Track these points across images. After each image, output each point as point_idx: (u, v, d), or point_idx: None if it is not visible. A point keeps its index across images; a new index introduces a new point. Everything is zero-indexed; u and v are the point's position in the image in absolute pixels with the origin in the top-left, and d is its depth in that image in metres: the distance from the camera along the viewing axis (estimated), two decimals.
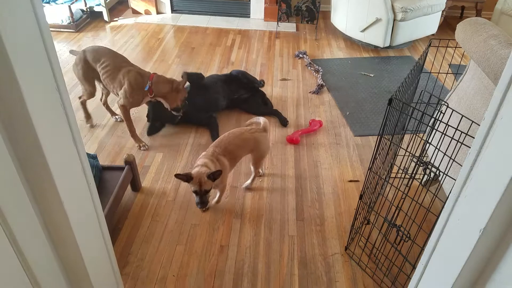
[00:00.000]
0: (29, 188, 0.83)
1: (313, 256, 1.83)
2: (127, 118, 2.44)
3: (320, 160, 2.47)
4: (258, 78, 3.17)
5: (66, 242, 0.93)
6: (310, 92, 3.20)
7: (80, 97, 2.61)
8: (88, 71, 2.42)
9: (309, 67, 3.57)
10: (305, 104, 3.06)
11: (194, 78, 2.77)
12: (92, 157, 2.00)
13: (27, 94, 0.74)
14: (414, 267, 1.51)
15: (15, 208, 0.78)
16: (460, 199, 0.94)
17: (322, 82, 3.28)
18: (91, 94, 2.52)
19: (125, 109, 2.39)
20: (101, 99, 2.74)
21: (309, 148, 2.57)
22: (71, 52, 2.50)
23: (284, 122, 2.80)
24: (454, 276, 0.93)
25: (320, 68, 3.51)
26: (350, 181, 2.31)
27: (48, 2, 4.19)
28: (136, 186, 2.16)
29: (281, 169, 2.38)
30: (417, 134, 1.70)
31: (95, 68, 2.39)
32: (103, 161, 2.38)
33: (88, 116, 2.66)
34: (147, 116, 2.70)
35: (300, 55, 3.78)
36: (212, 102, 2.78)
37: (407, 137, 2.41)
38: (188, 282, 1.71)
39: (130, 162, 2.04)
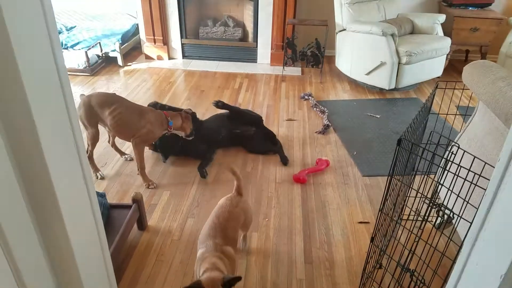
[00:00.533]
0: (36, 222, 0.82)
1: None
2: (142, 155, 2.51)
3: (328, 200, 2.43)
4: (264, 119, 3.22)
5: (71, 279, 0.91)
6: (316, 132, 3.22)
7: (86, 152, 2.58)
8: (91, 115, 2.44)
9: (314, 108, 3.63)
10: (311, 143, 3.07)
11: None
12: (101, 195, 1.99)
13: (41, 131, 0.75)
14: None
15: (22, 244, 0.77)
16: (478, 243, 0.91)
17: (328, 123, 3.32)
18: (95, 138, 2.53)
19: (142, 147, 2.50)
20: (108, 141, 2.78)
21: (316, 188, 2.55)
22: (81, 96, 2.56)
23: (284, 160, 2.80)
24: None
25: (325, 109, 3.56)
26: (360, 222, 2.26)
27: (67, 48, 4.39)
28: (142, 224, 2.13)
29: (288, 209, 2.35)
30: (428, 176, 1.69)
31: (99, 113, 2.43)
32: (111, 199, 2.36)
33: (96, 169, 2.63)
34: (154, 149, 2.88)
35: (306, 97, 3.86)
36: (212, 134, 2.86)
37: (417, 179, 2.38)
38: None
39: (137, 201, 2.03)
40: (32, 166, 0.78)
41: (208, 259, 1.53)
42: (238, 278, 1.40)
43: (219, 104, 2.97)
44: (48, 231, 0.86)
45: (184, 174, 2.67)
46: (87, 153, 2.53)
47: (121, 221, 1.93)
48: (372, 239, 1.63)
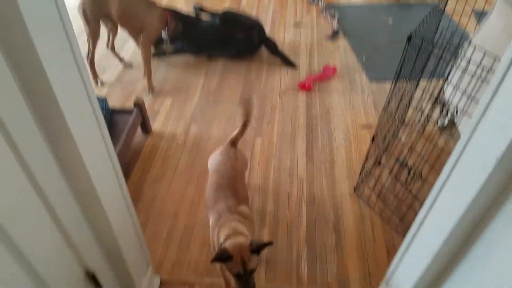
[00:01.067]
0: (43, 129, 0.82)
1: (321, 197, 1.83)
2: (149, 56, 2.48)
3: (332, 106, 2.41)
4: (269, 25, 3.04)
5: (80, 178, 0.94)
6: (325, 37, 3.06)
7: (87, 56, 2.50)
8: (98, 5, 2.31)
9: (324, 13, 3.40)
10: (319, 50, 2.94)
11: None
12: (102, 100, 1.99)
13: (34, 33, 0.70)
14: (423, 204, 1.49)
15: (32, 151, 0.78)
16: (479, 127, 0.89)
17: (337, 28, 3.13)
18: (97, 34, 2.42)
19: (149, 46, 2.48)
20: (107, 44, 2.68)
21: (321, 95, 2.50)
22: None
23: (288, 62, 2.74)
24: (464, 207, 0.91)
25: (336, 12, 3.33)
26: (363, 126, 2.25)
27: None
28: (146, 128, 2.16)
29: (292, 115, 2.34)
30: (434, 79, 1.62)
31: (107, 3, 2.31)
32: (112, 104, 2.36)
33: (96, 75, 2.57)
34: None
35: (315, 1, 3.59)
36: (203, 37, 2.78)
37: (423, 84, 2.31)
38: (200, 217, 1.75)
39: (139, 105, 2.03)
40: (32, 75, 0.75)
41: (227, 224, 1.30)
42: (269, 244, 1.21)
43: (195, 7, 2.89)
44: (55, 136, 0.86)
45: (186, 80, 2.62)
46: (88, 56, 2.48)
47: (124, 125, 1.95)
48: (373, 138, 1.64)
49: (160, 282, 1.49)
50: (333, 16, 3.30)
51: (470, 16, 3.11)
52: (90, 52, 2.48)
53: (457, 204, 0.94)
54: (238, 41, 2.75)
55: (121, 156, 1.81)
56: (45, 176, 0.83)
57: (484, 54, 1.40)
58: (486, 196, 0.89)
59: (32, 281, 0.80)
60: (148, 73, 2.49)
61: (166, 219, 1.75)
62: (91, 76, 2.53)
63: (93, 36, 2.43)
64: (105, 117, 1.88)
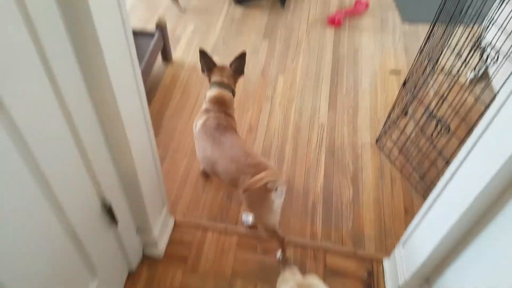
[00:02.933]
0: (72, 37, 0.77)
1: (341, 145, 1.81)
2: None
3: (361, 47, 2.28)
4: None
5: (105, 97, 0.91)
6: None
7: None
8: None
9: None
10: None
11: None
12: None
13: None
14: (447, 162, 1.47)
15: (62, 66, 0.74)
16: None
17: None
18: None
19: None
20: None
21: (351, 32, 2.36)
22: None
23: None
24: (493, 172, 0.86)
25: None
26: (392, 71, 2.15)
27: None
28: (167, 56, 2.10)
29: (318, 53, 2.23)
30: (475, 24, 1.48)
31: None
32: (133, 26, 2.28)
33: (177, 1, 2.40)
34: None
35: None
36: None
37: (463, 28, 2.15)
38: None
39: (161, 27, 1.94)
40: None
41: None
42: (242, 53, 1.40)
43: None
44: (84, 52, 0.81)
45: (210, 5, 2.48)
46: None
47: (145, 49, 1.87)
48: (404, 83, 1.56)
49: (174, 224, 1.47)
50: None
51: None
52: None
53: (487, 168, 0.89)
54: None
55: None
56: (72, 93, 0.80)
57: None
58: None
59: (50, 206, 0.81)
60: None
61: (183, 156, 1.73)
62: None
63: None
64: None
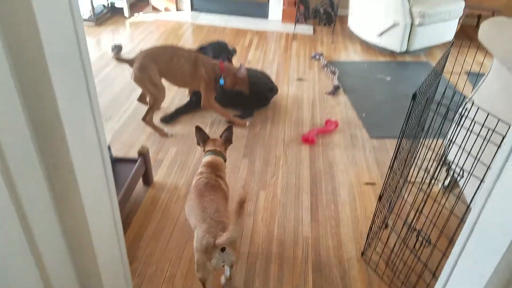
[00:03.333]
0: (44, 166, 0.80)
1: (327, 260, 1.77)
2: (218, 108, 2.62)
3: (335, 161, 2.41)
4: (274, 79, 3.14)
5: (78, 226, 0.90)
6: (326, 93, 3.15)
7: (143, 118, 2.49)
8: (160, 71, 2.43)
9: (325, 69, 3.53)
10: (321, 104, 3.01)
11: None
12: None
13: (54, 76, 0.72)
14: (434, 275, 1.44)
15: (30, 192, 0.76)
16: (492, 197, 0.88)
17: (338, 84, 3.23)
18: (163, 94, 2.49)
19: (212, 100, 2.59)
20: (139, 98, 2.70)
21: (324, 149, 2.52)
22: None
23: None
24: (483, 282, 0.87)
25: (336, 69, 3.46)
26: (367, 183, 2.25)
27: None
28: (148, 180, 2.14)
29: (296, 168, 2.34)
30: (438, 137, 1.64)
31: (166, 67, 2.43)
32: (116, 152, 2.36)
33: (160, 129, 2.56)
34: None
35: (317, 57, 3.74)
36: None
37: (427, 142, 2.34)
38: (197, 281, 1.67)
39: (144, 154, 2.02)
40: (43, 110, 0.75)
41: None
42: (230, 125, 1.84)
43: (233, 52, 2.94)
44: (58, 176, 0.84)
45: (192, 129, 2.63)
46: (145, 119, 2.49)
47: (126, 175, 1.92)
48: (380, 197, 1.62)
49: None
50: (333, 72, 3.42)
51: (466, 80, 3.23)
52: (149, 114, 2.49)
53: (474, 281, 0.89)
54: (254, 96, 2.78)
55: (120, 208, 1.76)
56: (38, 214, 0.79)
57: (488, 115, 1.43)
58: (506, 272, 0.86)
59: None
60: (234, 120, 2.66)
61: (160, 283, 1.64)
62: (105, 131, 2.55)
63: (161, 96, 2.48)
64: None
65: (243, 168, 2.33)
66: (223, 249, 1.35)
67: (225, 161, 1.79)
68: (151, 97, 2.44)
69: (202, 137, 1.82)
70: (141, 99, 2.71)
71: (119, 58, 2.43)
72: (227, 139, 1.84)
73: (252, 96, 2.72)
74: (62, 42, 0.74)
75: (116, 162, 2.01)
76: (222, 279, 1.63)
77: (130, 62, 2.39)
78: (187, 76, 2.47)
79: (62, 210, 0.86)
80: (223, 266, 1.47)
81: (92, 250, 0.92)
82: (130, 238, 1.84)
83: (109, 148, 2.01)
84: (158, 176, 2.24)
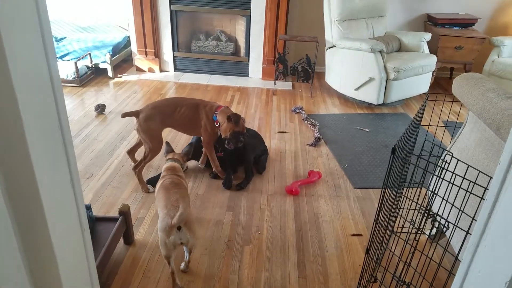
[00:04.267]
0: (18, 228, 0.77)
1: None
2: (213, 154, 2.65)
3: (320, 212, 2.40)
4: (256, 129, 3.20)
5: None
6: (307, 145, 3.21)
7: (135, 168, 2.51)
8: (162, 123, 2.50)
9: (305, 121, 3.63)
10: (303, 156, 3.05)
11: None
12: (86, 207, 1.92)
13: (30, 138, 0.71)
14: None
15: (4, 252, 0.72)
16: (480, 249, 0.89)
17: (319, 135, 3.32)
18: (160, 148, 2.53)
19: (211, 145, 2.63)
20: (129, 150, 2.73)
21: (309, 200, 2.51)
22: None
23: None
24: None
25: (316, 122, 3.57)
26: (353, 235, 2.22)
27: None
28: (129, 238, 2.06)
29: (281, 221, 2.30)
30: (421, 187, 1.68)
31: (168, 118, 2.51)
32: (96, 211, 2.29)
33: (145, 184, 2.55)
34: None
35: (297, 110, 3.87)
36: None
37: (410, 191, 2.38)
38: None
39: (124, 213, 1.96)
40: (19, 176, 0.74)
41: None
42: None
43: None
44: (32, 239, 0.80)
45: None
46: (136, 168, 2.51)
47: (106, 234, 1.86)
48: (367, 251, 1.60)
49: None
50: (314, 125, 3.52)
51: (444, 131, 3.38)
52: (141, 165, 2.51)
53: None
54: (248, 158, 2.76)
55: (100, 269, 1.67)
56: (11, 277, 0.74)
57: (468, 167, 1.48)
58: None
59: None
60: (217, 166, 2.66)
61: None
62: (86, 189, 2.52)
63: (158, 150, 2.52)
64: None
65: (227, 222, 2.28)
66: (179, 228, 1.67)
67: (182, 167, 2.17)
68: (148, 148, 2.49)
69: (168, 150, 2.23)
70: (131, 152, 2.72)
71: (125, 114, 2.51)
72: (186, 154, 2.24)
73: (250, 159, 2.75)
74: (40, 107, 0.75)
75: (96, 221, 1.94)
76: (182, 265, 1.92)
77: (136, 113, 2.48)
78: (190, 121, 2.55)
79: (37, 278, 0.82)
80: (181, 244, 1.73)
81: None
82: None
83: (89, 207, 1.95)
84: (139, 234, 2.16)
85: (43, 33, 0.75)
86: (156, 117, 2.47)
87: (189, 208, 1.82)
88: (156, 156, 2.56)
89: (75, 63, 4.12)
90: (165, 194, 1.85)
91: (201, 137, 2.64)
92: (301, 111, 3.84)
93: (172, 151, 2.25)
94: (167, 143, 2.27)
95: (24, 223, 0.78)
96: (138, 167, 2.52)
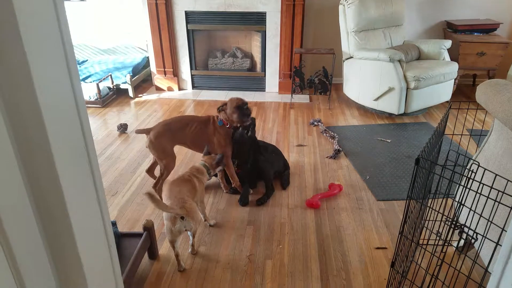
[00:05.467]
0: (48, 247, 0.80)
1: None
2: (231, 168, 2.66)
3: (343, 225, 2.37)
4: (274, 143, 3.21)
5: None
6: (327, 157, 3.19)
7: (154, 186, 2.59)
8: (173, 140, 2.56)
9: (324, 134, 3.62)
10: (323, 168, 3.03)
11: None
12: (112, 224, 1.96)
13: (57, 155, 0.75)
14: None
15: (34, 269, 0.75)
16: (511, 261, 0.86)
17: (338, 147, 3.29)
18: (174, 163, 2.60)
19: (228, 160, 2.64)
20: (147, 169, 2.78)
21: (330, 213, 2.48)
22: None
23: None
24: None
25: (335, 134, 3.55)
26: (378, 248, 2.18)
27: None
28: (153, 253, 2.08)
29: (302, 235, 2.28)
30: (447, 197, 1.64)
31: (180, 135, 2.57)
32: (121, 227, 2.33)
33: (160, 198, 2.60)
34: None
35: (315, 123, 3.86)
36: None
37: (436, 202, 2.32)
38: None
39: (148, 228, 1.99)
40: (48, 196, 0.77)
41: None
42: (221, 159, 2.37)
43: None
44: (62, 259, 0.83)
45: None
46: (156, 186, 2.59)
47: (131, 250, 1.89)
48: (392, 264, 1.57)
49: None
50: (333, 137, 3.50)
51: (469, 139, 3.29)
52: (160, 182, 2.58)
53: None
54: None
55: (126, 285, 1.70)
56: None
57: (496, 176, 1.44)
58: None
59: None
60: (236, 182, 2.68)
61: None
62: (111, 206, 2.58)
63: (171, 166, 2.58)
64: None
65: (248, 236, 2.28)
66: (182, 218, 1.89)
67: (209, 174, 2.30)
68: (162, 165, 2.54)
69: (205, 153, 2.41)
70: (150, 170, 2.77)
71: (138, 130, 2.60)
72: (218, 162, 2.35)
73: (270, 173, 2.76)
74: (66, 129, 0.79)
75: (121, 237, 1.98)
76: (190, 249, 2.16)
77: (148, 131, 2.54)
78: (201, 138, 2.58)
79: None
80: (185, 230, 1.96)
81: None
82: None
83: (115, 224, 2.00)
84: (163, 249, 2.18)
85: (67, 58, 0.79)
86: (167, 133, 2.52)
87: (190, 200, 2.00)
88: (172, 170, 2.61)
89: (97, 84, 4.27)
90: (170, 187, 2.06)
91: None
92: (319, 123, 3.83)
93: (209, 154, 2.40)
94: (207, 146, 2.44)
95: (54, 241, 0.81)
96: (157, 185, 2.58)
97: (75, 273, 0.85)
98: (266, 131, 3.73)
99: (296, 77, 4.55)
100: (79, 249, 0.82)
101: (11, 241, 0.69)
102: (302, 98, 4.61)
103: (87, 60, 4.97)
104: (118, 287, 1.01)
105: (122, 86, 4.60)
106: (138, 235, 1.98)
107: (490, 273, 0.93)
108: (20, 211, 0.73)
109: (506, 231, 0.92)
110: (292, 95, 4.54)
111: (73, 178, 0.81)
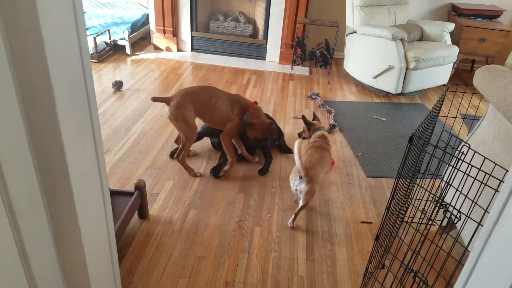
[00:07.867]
0: (44, 193, 0.81)
1: None
2: (230, 148, 2.52)
3: (332, 199, 2.41)
4: (271, 114, 3.20)
5: (76, 260, 0.89)
6: None
7: (177, 156, 2.50)
8: (196, 110, 2.41)
9: (321, 108, 3.61)
10: None
11: None
12: None
13: (58, 98, 0.74)
14: None
15: (28, 211, 0.76)
16: (492, 238, 0.89)
17: (334, 122, 3.30)
18: (195, 135, 2.47)
19: (229, 141, 2.52)
20: (176, 139, 2.72)
21: (320, 186, 2.52)
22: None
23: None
24: None
25: (332, 109, 3.55)
26: (363, 222, 2.24)
27: None
28: (143, 213, 2.12)
29: (291, 205, 2.33)
30: (436, 178, 1.67)
31: (202, 106, 2.42)
32: (112, 185, 2.35)
33: (191, 169, 2.54)
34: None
35: (313, 96, 3.84)
36: None
37: (424, 183, 2.36)
38: None
39: (140, 188, 2.01)
40: (47, 141, 0.77)
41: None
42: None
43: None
44: (57, 206, 0.84)
45: (189, 162, 2.65)
46: (178, 156, 2.49)
47: (122, 208, 1.91)
48: (377, 237, 1.61)
49: None
50: (329, 112, 3.50)
51: (462, 124, 3.32)
52: (182, 153, 2.48)
53: None
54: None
55: (115, 241, 1.73)
56: (37, 244, 0.79)
57: (484, 159, 1.46)
58: None
59: None
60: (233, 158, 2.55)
61: None
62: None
63: (194, 136, 2.46)
64: None
65: (239, 203, 2.32)
66: (300, 177, 2.09)
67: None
68: (184, 136, 2.42)
69: (308, 123, 2.56)
70: (178, 140, 2.70)
71: (155, 98, 2.41)
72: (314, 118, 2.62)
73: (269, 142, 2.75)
74: (69, 79, 0.78)
75: (112, 194, 2.00)
76: (290, 222, 2.18)
77: (167, 100, 2.38)
78: (223, 116, 2.45)
79: (61, 243, 0.86)
80: (296, 189, 2.14)
81: (85, 271, 0.91)
82: (123, 272, 1.80)
83: None
84: (153, 209, 2.22)
85: (74, 4, 0.76)
86: (189, 105, 2.37)
87: (320, 170, 2.18)
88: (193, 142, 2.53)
89: (94, 38, 4.15)
90: (311, 153, 2.28)
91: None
92: (317, 97, 3.81)
93: (312, 123, 2.55)
94: (304, 116, 2.56)
95: (51, 187, 0.81)
96: (179, 155, 2.48)
97: (69, 220, 0.86)
98: (264, 101, 3.71)
99: (298, 48, 4.48)
100: (74, 196, 0.83)
101: (8, 186, 0.70)
102: (302, 70, 4.56)
103: (85, 12, 4.80)
104: (110, 236, 1.03)
105: (120, 42, 4.48)
106: (129, 193, 2.00)
107: (469, 252, 0.97)
108: (18, 154, 0.73)
109: (488, 212, 0.96)
110: (292, 66, 4.48)
111: (72, 125, 0.81)
